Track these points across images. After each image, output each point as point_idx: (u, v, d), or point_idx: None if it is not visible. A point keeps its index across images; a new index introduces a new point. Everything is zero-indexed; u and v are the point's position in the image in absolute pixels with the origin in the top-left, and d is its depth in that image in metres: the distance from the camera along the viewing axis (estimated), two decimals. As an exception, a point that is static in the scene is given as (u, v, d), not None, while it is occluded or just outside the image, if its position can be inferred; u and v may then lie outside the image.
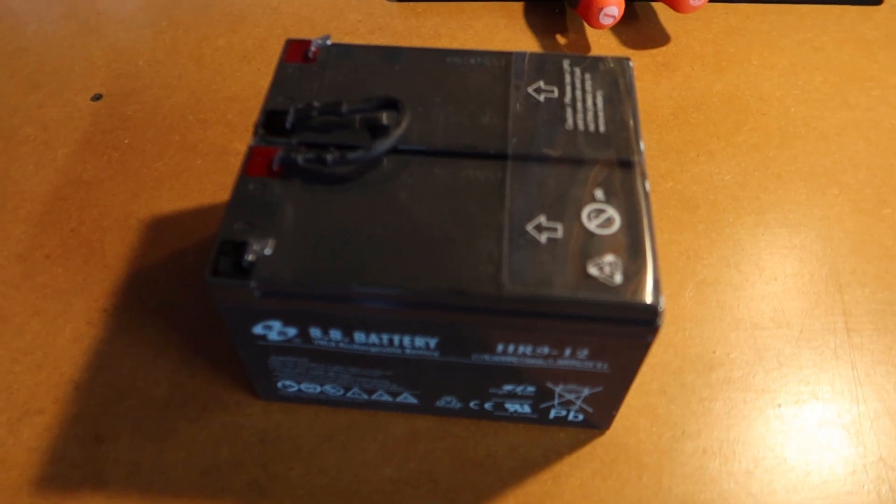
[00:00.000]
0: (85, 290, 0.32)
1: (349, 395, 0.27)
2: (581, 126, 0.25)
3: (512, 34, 0.44)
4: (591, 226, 0.23)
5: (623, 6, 0.40)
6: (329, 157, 0.24)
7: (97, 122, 0.39)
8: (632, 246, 0.22)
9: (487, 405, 0.27)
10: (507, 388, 0.26)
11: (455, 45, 0.43)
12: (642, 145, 0.25)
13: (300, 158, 0.24)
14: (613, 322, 0.21)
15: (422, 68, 0.27)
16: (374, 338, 0.23)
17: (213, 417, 0.28)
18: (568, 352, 0.23)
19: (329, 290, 0.22)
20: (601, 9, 0.40)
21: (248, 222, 0.23)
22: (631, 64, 0.28)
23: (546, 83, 0.27)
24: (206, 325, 0.31)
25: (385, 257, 0.22)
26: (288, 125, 0.25)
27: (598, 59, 0.28)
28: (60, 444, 0.28)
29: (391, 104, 0.25)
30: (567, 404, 0.26)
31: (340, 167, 0.24)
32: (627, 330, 0.22)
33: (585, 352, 0.23)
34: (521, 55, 0.28)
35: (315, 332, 0.24)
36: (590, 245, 0.22)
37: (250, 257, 0.22)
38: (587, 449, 0.28)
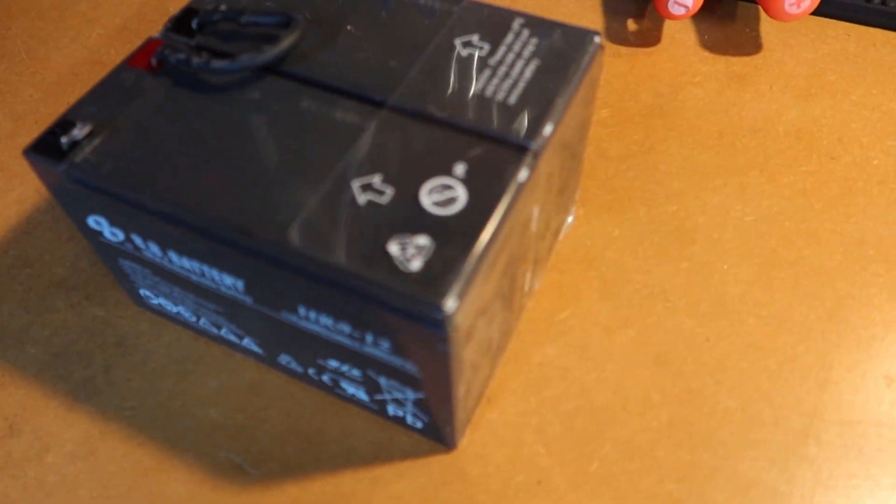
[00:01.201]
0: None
1: (200, 323, 0.26)
2: (489, 93, 0.21)
3: (579, 9, 0.39)
4: (426, 200, 0.19)
5: (700, -3, 0.34)
6: (195, 60, 0.22)
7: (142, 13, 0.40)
8: (459, 235, 0.18)
9: (325, 378, 0.24)
10: (333, 363, 0.23)
11: (517, 3, 0.39)
12: (547, 130, 0.20)
13: (172, 57, 0.22)
14: (396, 313, 0.18)
15: (362, -3, 0.25)
16: (186, 262, 0.21)
17: (89, 309, 0.28)
18: (369, 338, 0.20)
19: (128, 193, 0.20)
20: (671, -6, 0.34)
21: (101, 108, 0.22)
22: (597, 41, 0.23)
23: (481, 38, 0.23)
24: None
25: (196, 176, 0.20)
26: (194, 25, 0.24)
27: (557, 26, 0.23)
28: (-39, 289, 0.29)
29: (287, 22, 0.23)
30: (399, 404, 0.23)
31: (208, 74, 0.22)
32: (417, 329, 0.18)
33: (387, 343, 0.19)
34: (473, 4, 0.24)
35: (137, 240, 0.22)
36: (410, 220, 0.18)
37: (64, 140, 0.21)
38: (422, 462, 0.24)
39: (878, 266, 0.28)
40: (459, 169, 0.20)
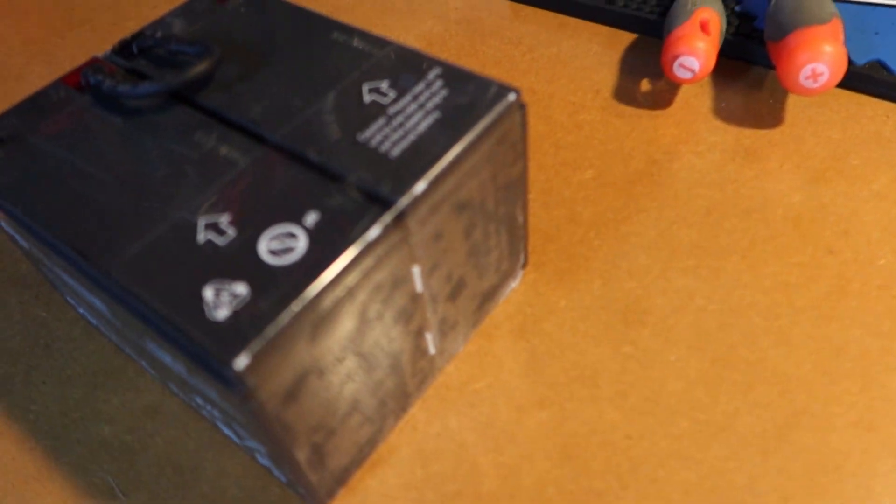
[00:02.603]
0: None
1: (104, 331, 0.26)
2: (374, 142, 0.20)
3: (593, 62, 0.37)
4: (264, 247, 0.18)
5: (709, 60, 0.31)
6: (107, 83, 0.22)
7: None
8: (281, 288, 0.17)
9: (205, 413, 0.24)
10: (198, 400, 0.22)
11: (528, 55, 0.38)
12: (419, 188, 0.19)
13: (92, 79, 0.23)
14: (198, 363, 0.17)
15: (297, 33, 0.24)
16: (69, 280, 0.22)
17: (34, 308, 0.29)
18: (200, 384, 0.19)
19: (5, 204, 0.20)
20: (676, 57, 0.32)
21: (20, 120, 0.23)
22: (511, 98, 0.21)
23: (390, 85, 0.22)
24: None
25: (66, 196, 0.20)
26: (135, 50, 0.25)
27: (473, 79, 0.22)
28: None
29: (203, 52, 0.23)
30: (260, 453, 0.22)
31: (122, 97, 0.23)
32: (217, 384, 0.17)
33: (213, 392, 0.19)
34: (398, 49, 0.23)
35: (34, 250, 0.23)
36: (236, 265, 0.18)
37: (-33, 146, 0.22)
38: (282, 520, 0.23)
39: (851, 383, 0.24)
40: (311, 218, 0.19)
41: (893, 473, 0.22)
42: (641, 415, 0.24)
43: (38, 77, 0.41)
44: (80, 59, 0.42)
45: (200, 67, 0.22)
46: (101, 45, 0.42)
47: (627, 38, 0.39)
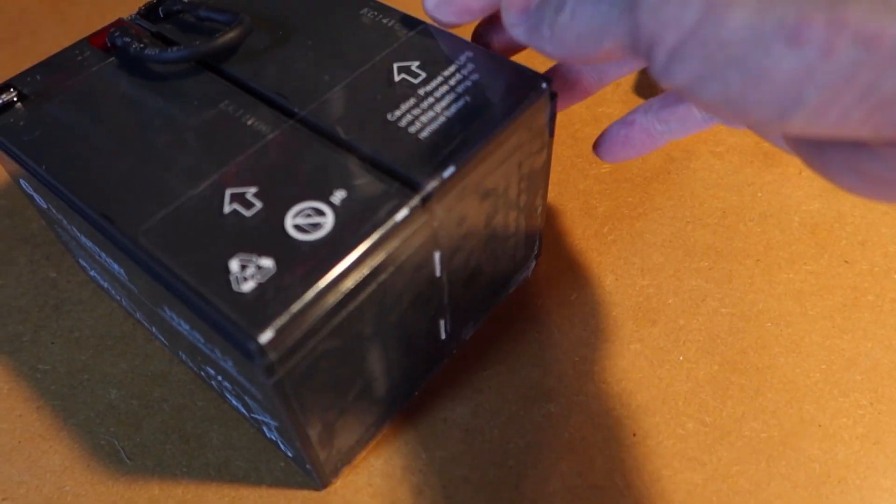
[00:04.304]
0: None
1: (123, 304, 0.26)
2: (404, 122, 0.20)
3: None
4: (290, 221, 0.18)
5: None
6: (134, 46, 0.22)
7: None
8: (307, 265, 0.17)
9: (213, 383, 0.24)
10: (210, 370, 0.22)
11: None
12: (448, 173, 0.19)
13: (119, 41, 0.23)
14: (221, 333, 0.17)
15: (326, 7, 0.24)
16: (87, 242, 0.22)
17: (44, 268, 0.29)
18: (217, 353, 0.19)
19: (30, 163, 0.20)
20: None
21: (44, 78, 0.22)
22: (544, 86, 0.21)
23: (421, 65, 0.22)
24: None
25: (91, 159, 0.20)
26: (161, 14, 0.24)
27: (507, 65, 0.22)
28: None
29: (233, 21, 0.22)
30: (269, 427, 0.22)
31: (145, 61, 0.22)
32: (238, 356, 0.17)
33: (230, 362, 0.18)
34: (429, 29, 0.23)
35: (53, 211, 0.22)
36: (263, 239, 0.18)
37: (-8, 101, 0.21)
38: (288, 494, 0.23)
39: (861, 396, 0.24)
40: (338, 196, 0.18)
41: None
42: (647, 413, 0.24)
43: (52, 35, 0.40)
44: (95, 17, 0.41)
45: (231, 35, 0.22)
46: (115, 5, 0.42)
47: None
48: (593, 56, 0.16)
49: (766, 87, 0.13)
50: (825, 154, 0.16)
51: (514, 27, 0.18)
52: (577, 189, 0.31)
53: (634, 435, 0.24)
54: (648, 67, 0.15)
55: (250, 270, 0.17)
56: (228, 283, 0.17)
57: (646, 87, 0.35)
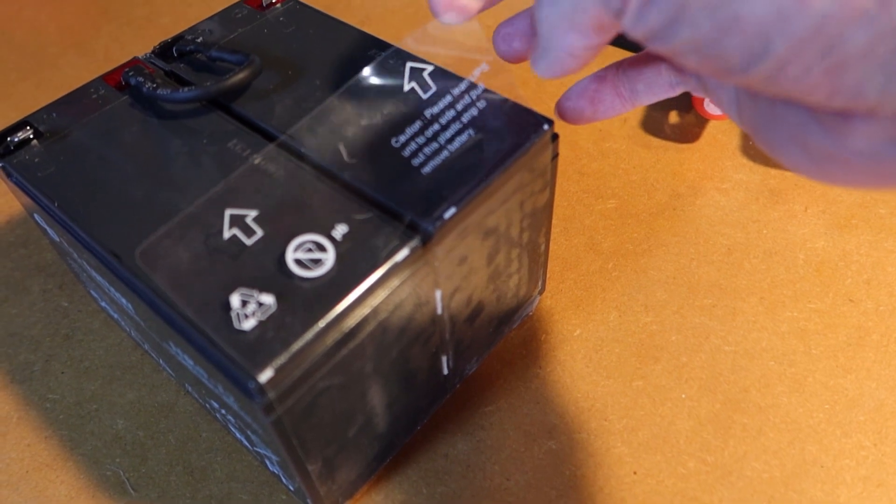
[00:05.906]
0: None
1: (132, 335, 0.27)
2: (407, 154, 0.20)
3: (625, 94, 0.37)
4: (291, 255, 0.18)
5: (741, 100, 0.32)
6: (147, 86, 0.23)
7: None
8: (308, 304, 0.17)
9: (218, 416, 0.24)
10: (214, 404, 0.22)
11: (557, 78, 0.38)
12: (449, 213, 0.19)
13: (133, 80, 0.23)
14: (221, 370, 0.17)
15: (335, 47, 0.25)
16: (96, 275, 0.22)
17: (57, 298, 0.30)
18: (220, 388, 0.19)
19: (42, 199, 0.21)
20: (708, 93, 0.32)
21: (60, 116, 0.23)
22: (546, 128, 0.21)
23: (426, 106, 0.22)
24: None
25: (100, 197, 0.21)
26: (175, 53, 0.25)
27: (508, 105, 0.22)
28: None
29: (243, 61, 0.23)
30: (271, 461, 0.22)
31: (157, 101, 0.23)
32: (238, 393, 0.17)
33: (231, 398, 0.19)
34: (437, 70, 0.23)
35: (65, 244, 0.23)
36: (264, 272, 0.18)
37: (10, 140, 0.22)
38: (286, 528, 0.23)
39: (864, 437, 0.24)
40: (339, 230, 0.19)
41: (900, 531, 0.22)
42: (649, 451, 0.24)
43: (72, 67, 0.41)
44: (115, 51, 0.42)
45: (240, 76, 0.22)
46: (135, 40, 0.43)
47: (659, 69, 0.39)
48: (585, 32, 0.16)
49: (735, 33, 0.13)
50: (774, 127, 0.16)
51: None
52: (583, 224, 0.31)
53: (635, 473, 0.24)
54: (622, 24, 0.15)
55: (251, 307, 0.17)
56: (229, 320, 0.17)
57: (652, 122, 0.36)
